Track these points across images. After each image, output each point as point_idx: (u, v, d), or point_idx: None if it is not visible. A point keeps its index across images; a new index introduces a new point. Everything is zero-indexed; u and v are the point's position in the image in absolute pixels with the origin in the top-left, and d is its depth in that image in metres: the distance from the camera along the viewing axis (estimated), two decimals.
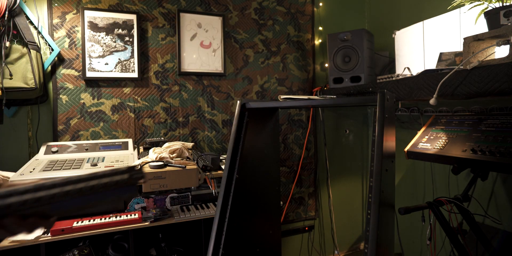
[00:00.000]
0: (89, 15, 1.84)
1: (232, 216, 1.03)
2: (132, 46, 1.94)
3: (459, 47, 1.62)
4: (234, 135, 1.10)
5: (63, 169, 1.48)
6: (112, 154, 1.72)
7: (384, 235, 0.77)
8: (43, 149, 1.66)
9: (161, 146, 1.73)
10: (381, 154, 0.76)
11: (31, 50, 1.64)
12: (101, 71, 1.87)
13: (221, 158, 1.93)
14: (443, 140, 1.44)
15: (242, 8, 2.25)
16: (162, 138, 1.95)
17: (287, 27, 2.40)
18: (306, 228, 2.48)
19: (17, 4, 1.60)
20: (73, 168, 1.49)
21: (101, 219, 1.45)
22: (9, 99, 1.63)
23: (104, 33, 1.88)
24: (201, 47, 2.13)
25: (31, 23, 1.72)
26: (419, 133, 1.60)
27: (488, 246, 1.44)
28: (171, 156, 1.59)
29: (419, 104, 1.97)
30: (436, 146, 1.44)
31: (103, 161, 1.61)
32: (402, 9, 2.30)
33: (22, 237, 1.29)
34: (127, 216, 1.49)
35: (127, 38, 1.93)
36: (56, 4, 1.80)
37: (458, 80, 1.30)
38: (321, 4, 2.52)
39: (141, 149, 1.88)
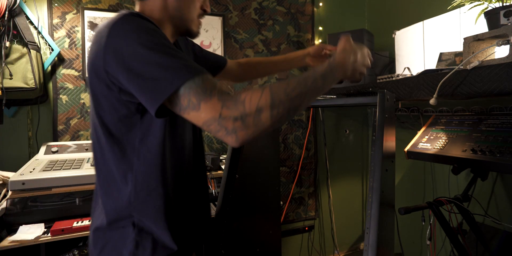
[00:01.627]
0: (89, 15, 1.84)
1: (232, 216, 1.03)
2: None
3: (459, 47, 1.62)
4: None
5: (63, 169, 1.48)
6: None
7: (384, 235, 0.77)
8: (43, 149, 1.66)
9: None
10: (381, 154, 0.76)
11: (31, 50, 1.64)
12: None
13: (221, 158, 1.93)
14: (443, 140, 1.44)
15: (242, 8, 2.25)
16: None
17: (287, 27, 2.40)
18: (306, 228, 2.48)
19: (17, 4, 1.60)
20: (73, 168, 1.49)
21: None
22: (9, 99, 1.62)
23: None
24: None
25: (31, 23, 1.72)
26: (419, 133, 1.60)
27: (488, 246, 1.44)
28: None
29: (419, 104, 1.97)
30: (436, 146, 1.44)
31: None
32: (402, 9, 2.30)
33: (28, 235, 1.29)
34: None
35: None
36: (56, 4, 1.80)
37: (458, 80, 1.30)
38: (321, 4, 2.52)
39: None
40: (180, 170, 0.80)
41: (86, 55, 1.84)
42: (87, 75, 0.79)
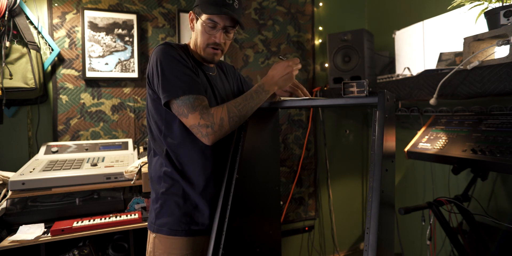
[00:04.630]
0: (89, 15, 1.84)
1: (232, 216, 1.03)
2: (132, 46, 1.94)
3: (459, 47, 1.62)
4: (234, 135, 1.10)
5: (63, 169, 1.48)
6: (112, 154, 1.72)
7: (384, 235, 0.77)
8: (43, 149, 1.66)
9: None
10: (381, 154, 0.76)
11: (31, 50, 1.64)
12: (101, 71, 1.87)
13: None
14: (443, 140, 1.44)
15: (242, 8, 2.25)
16: None
17: (287, 27, 2.40)
18: (306, 228, 2.48)
19: (17, 4, 1.60)
20: (73, 168, 1.49)
21: (101, 219, 1.45)
22: (9, 99, 1.63)
23: (104, 33, 1.88)
24: None
25: (31, 23, 1.72)
26: (419, 133, 1.60)
27: (488, 246, 1.44)
28: None
29: (419, 104, 1.97)
30: (436, 146, 1.44)
31: (103, 161, 1.61)
32: (402, 9, 2.30)
33: (24, 236, 1.29)
34: (127, 216, 1.49)
35: (127, 38, 1.93)
36: (56, 4, 1.80)
37: (458, 80, 1.30)
38: (321, 4, 2.52)
39: (141, 149, 1.88)
40: (191, 153, 1.05)
41: (87, 55, 1.84)
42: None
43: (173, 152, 1.03)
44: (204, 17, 1.04)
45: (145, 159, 1.57)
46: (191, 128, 0.94)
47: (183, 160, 1.04)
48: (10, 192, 1.37)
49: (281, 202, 2.38)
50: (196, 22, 1.07)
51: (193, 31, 1.10)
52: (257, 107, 1.01)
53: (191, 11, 1.09)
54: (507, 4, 1.19)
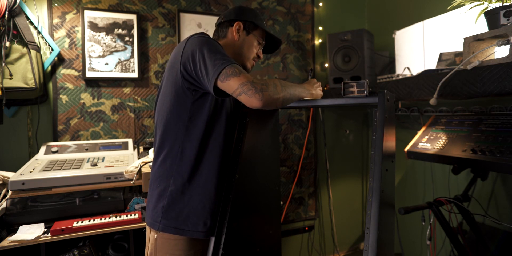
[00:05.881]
0: (89, 15, 1.84)
1: (232, 216, 1.03)
2: (132, 46, 1.94)
3: (459, 47, 1.62)
4: (234, 135, 1.10)
5: (63, 169, 1.48)
6: (112, 154, 1.72)
7: (384, 235, 0.77)
8: (43, 149, 1.66)
9: None
10: (381, 154, 0.76)
11: (31, 50, 1.64)
12: (101, 71, 1.87)
13: None
14: (443, 140, 1.44)
15: None
16: None
17: (287, 27, 2.40)
18: (306, 228, 2.48)
19: (17, 4, 1.60)
20: (73, 168, 1.49)
21: (101, 219, 1.45)
22: (9, 99, 1.63)
23: (104, 33, 1.88)
24: None
25: (31, 23, 1.72)
26: (419, 133, 1.60)
27: (488, 246, 1.44)
28: None
29: (419, 104, 1.97)
30: (436, 146, 1.44)
31: (103, 161, 1.61)
32: (402, 9, 2.30)
33: (24, 236, 1.29)
34: (127, 216, 1.49)
35: (127, 38, 1.93)
36: (56, 4, 1.80)
37: (458, 80, 1.30)
38: (321, 4, 2.52)
39: (141, 149, 1.88)
40: (214, 147, 1.04)
41: (87, 55, 1.84)
42: (165, 71, 1.06)
43: (190, 149, 1.00)
44: (259, 33, 1.17)
45: (145, 159, 1.57)
46: (241, 85, 0.88)
47: (198, 157, 1.01)
48: (10, 192, 1.37)
49: (281, 202, 2.38)
50: (248, 35, 1.15)
51: (237, 40, 1.14)
52: (294, 98, 1.02)
53: (239, 22, 1.13)
54: (507, 4, 1.19)
